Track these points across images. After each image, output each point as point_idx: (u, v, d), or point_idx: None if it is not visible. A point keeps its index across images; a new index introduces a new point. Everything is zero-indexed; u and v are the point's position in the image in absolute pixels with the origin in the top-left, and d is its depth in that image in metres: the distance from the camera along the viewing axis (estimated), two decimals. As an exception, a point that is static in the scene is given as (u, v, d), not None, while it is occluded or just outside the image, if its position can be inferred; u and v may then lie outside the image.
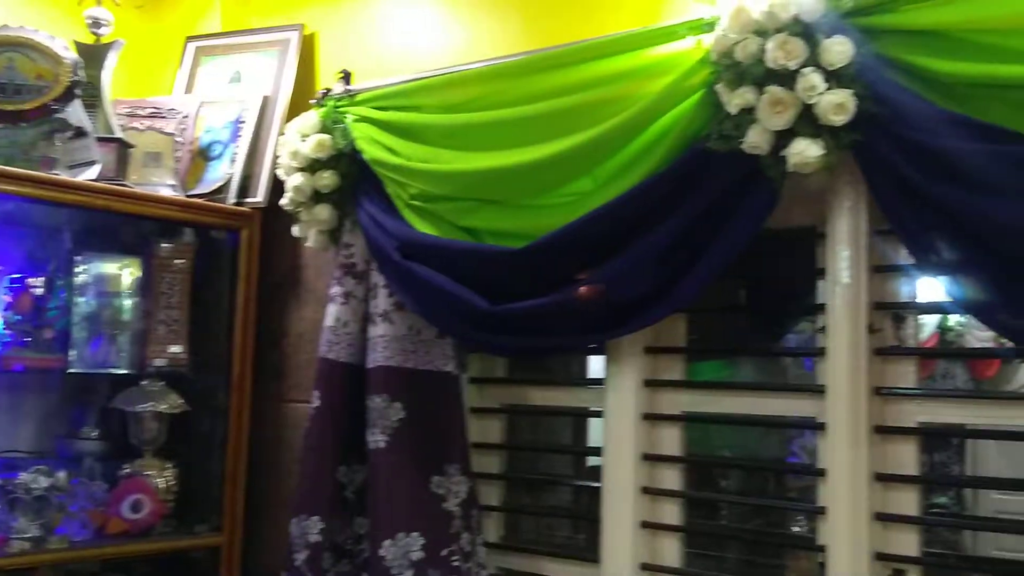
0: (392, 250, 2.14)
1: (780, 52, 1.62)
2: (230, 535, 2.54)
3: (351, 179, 2.28)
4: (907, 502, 1.75)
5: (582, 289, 1.92)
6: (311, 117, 2.31)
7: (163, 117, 2.66)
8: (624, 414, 2.06)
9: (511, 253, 2.01)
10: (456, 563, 2.14)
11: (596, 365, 2.58)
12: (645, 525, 2.04)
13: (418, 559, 2.11)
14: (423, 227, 2.16)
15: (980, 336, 3.34)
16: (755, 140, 1.68)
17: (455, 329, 2.14)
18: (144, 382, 2.55)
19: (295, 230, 2.38)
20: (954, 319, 3.72)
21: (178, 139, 2.63)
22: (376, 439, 2.17)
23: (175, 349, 2.57)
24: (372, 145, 2.24)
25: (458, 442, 2.21)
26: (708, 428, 2.39)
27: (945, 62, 1.55)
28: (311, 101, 2.38)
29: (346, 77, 2.38)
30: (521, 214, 2.07)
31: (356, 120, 2.29)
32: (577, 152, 1.93)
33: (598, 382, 2.16)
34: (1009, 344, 1.65)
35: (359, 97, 2.32)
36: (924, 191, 1.57)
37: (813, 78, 1.60)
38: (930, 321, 3.60)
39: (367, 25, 2.57)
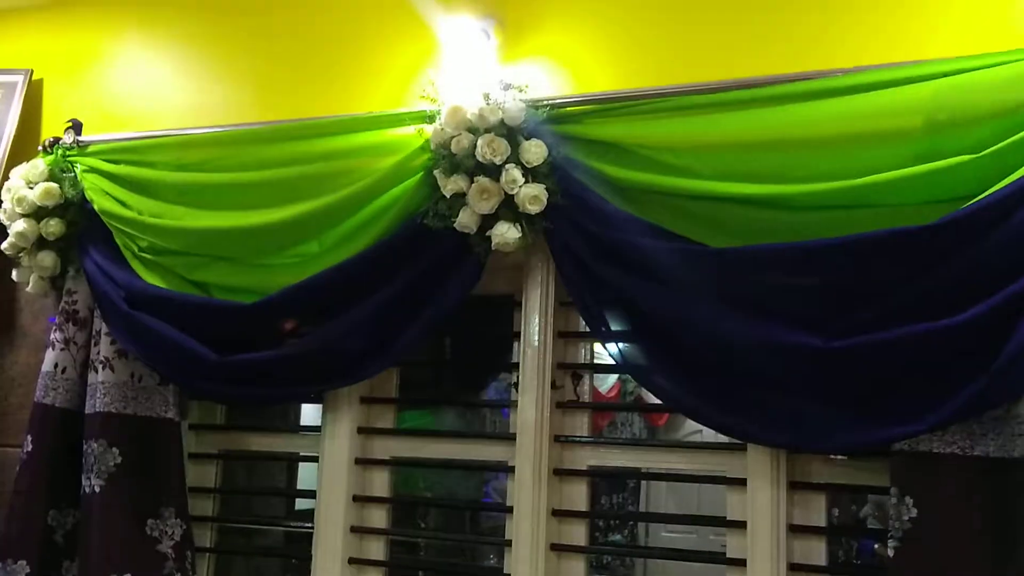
0: (119, 300, 2.21)
1: (488, 149, 1.92)
2: (-81, 585, 2.44)
3: (78, 228, 2.34)
4: (578, 534, 2.07)
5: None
6: (38, 165, 2.34)
7: None
8: (338, 459, 2.24)
9: (240, 308, 2.16)
10: (167, 603, 2.21)
11: (308, 412, 2.76)
12: (352, 561, 2.22)
13: (130, 600, 2.17)
14: (151, 279, 2.25)
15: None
16: (465, 221, 1.95)
17: (182, 378, 2.24)
18: None
19: (15, 274, 2.38)
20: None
21: None
22: (92, 483, 2.20)
23: None
24: (102, 196, 2.31)
25: (175, 486, 2.27)
26: (417, 473, 2.62)
27: (618, 169, 1.90)
28: (39, 148, 2.40)
29: (76, 127, 2.42)
30: (250, 271, 2.22)
31: (86, 171, 2.35)
32: (307, 218, 2.12)
33: (314, 429, 2.33)
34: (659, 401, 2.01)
35: (90, 148, 2.39)
36: (598, 273, 1.90)
37: (514, 173, 1.91)
38: (612, 375, 4.05)
39: (98, 78, 2.61)
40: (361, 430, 2.26)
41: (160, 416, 2.27)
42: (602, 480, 3.98)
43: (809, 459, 1.88)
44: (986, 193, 1.57)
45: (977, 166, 1.60)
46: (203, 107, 2.47)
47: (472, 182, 1.94)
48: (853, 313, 1.69)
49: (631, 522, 4.60)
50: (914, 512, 1.64)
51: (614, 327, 1.94)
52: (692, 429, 4.47)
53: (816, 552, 1.87)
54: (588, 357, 2.18)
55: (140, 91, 2.56)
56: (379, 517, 2.25)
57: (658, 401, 2.02)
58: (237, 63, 2.48)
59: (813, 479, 1.88)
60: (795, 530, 1.87)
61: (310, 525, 2.27)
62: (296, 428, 2.64)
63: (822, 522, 1.88)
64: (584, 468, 2.08)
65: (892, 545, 1.66)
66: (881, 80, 1.70)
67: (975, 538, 1.60)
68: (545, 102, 1.98)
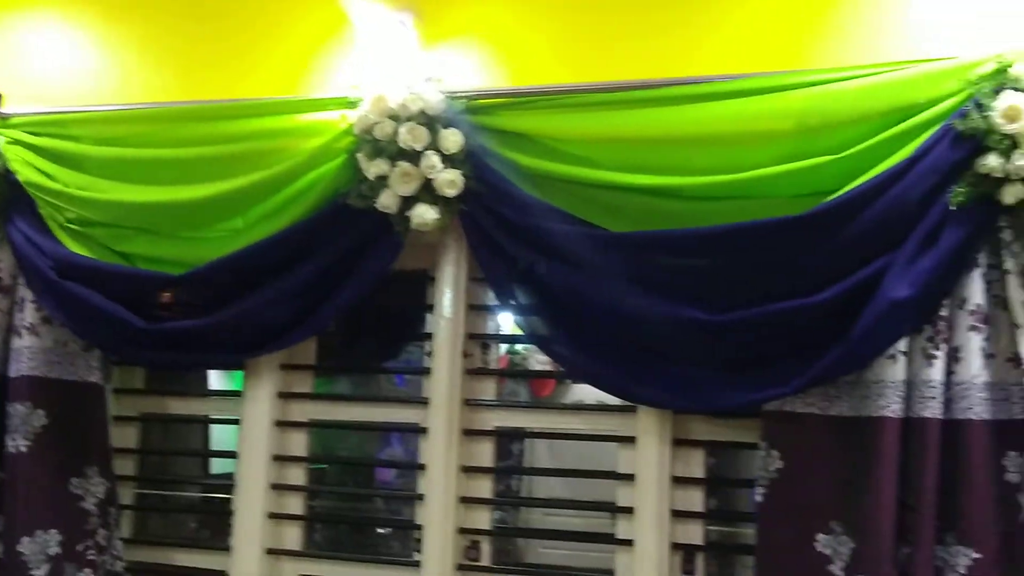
0: (47, 269, 2.30)
1: (409, 136, 2.08)
2: None
3: (2, 198, 2.39)
4: (484, 488, 2.27)
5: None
6: (-38, 137, 2.38)
7: None
8: (259, 421, 2.38)
9: (168, 279, 2.27)
10: (91, 557, 2.33)
11: (215, 376, 2.89)
12: (272, 516, 2.38)
13: (55, 554, 2.28)
14: (77, 249, 2.34)
15: (540, 360, 4.07)
16: (386, 202, 2.12)
17: (109, 344, 2.35)
18: None
19: (-62, 241, 2.42)
20: (520, 346, 4.47)
21: None
22: (17, 444, 2.29)
23: None
24: (27, 168, 2.37)
25: (99, 447, 2.39)
26: (328, 433, 2.78)
27: (529, 158, 2.09)
28: (-41, 120, 2.45)
29: (-3, 99, 2.47)
30: (176, 244, 2.34)
31: (9, 143, 2.41)
32: (232, 195, 2.25)
33: (228, 393, 2.47)
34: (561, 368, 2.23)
35: (12, 121, 2.44)
36: (508, 253, 2.10)
37: (433, 159, 2.08)
38: (502, 347, 4.28)
39: (16, 51, 2.65)
40: (281, 395, 2.41)
41: (85, 380, 2.37)
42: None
43: (691, 418, 2.12)
44: (845, 189, 1.83)
45: (839, 166, 1.85)
46: (126, 84, 2.54)
47: (394, 166, 2.10)
48: (734, 291, 1.93)
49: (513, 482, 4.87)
50: (780, 464, 1.91)
51: (522, 301, 2.14)
52: (575, 398, 4.75)
53: (695, 500, 2.12)
54: (496, 329, 2.38)
55: (63, 66, 2.61)
56: (297, 475, 2.41)
57: (558, 368, 2.23)
58: (160, 42, 2.56)
59: (694, 436, 2.12)
60: (677, 481, 2.11)
61: (231, 484, 2.41)
62: (213, 392, 2.77)
63: (701, 474, 2.13)
64: (491, 428, 2.29)
65: (760, 492, 1.92)
66: (760, 87, 1.93)
67: (830, 486, 1.87)
68: (462, 94, 2.15)
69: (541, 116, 2.11)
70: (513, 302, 2.15)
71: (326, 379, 3.08)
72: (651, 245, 1.99)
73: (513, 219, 2.08)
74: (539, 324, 2.15)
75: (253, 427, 2.39)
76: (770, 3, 2.10)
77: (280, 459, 2.40)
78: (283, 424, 2.41)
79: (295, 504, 2.40)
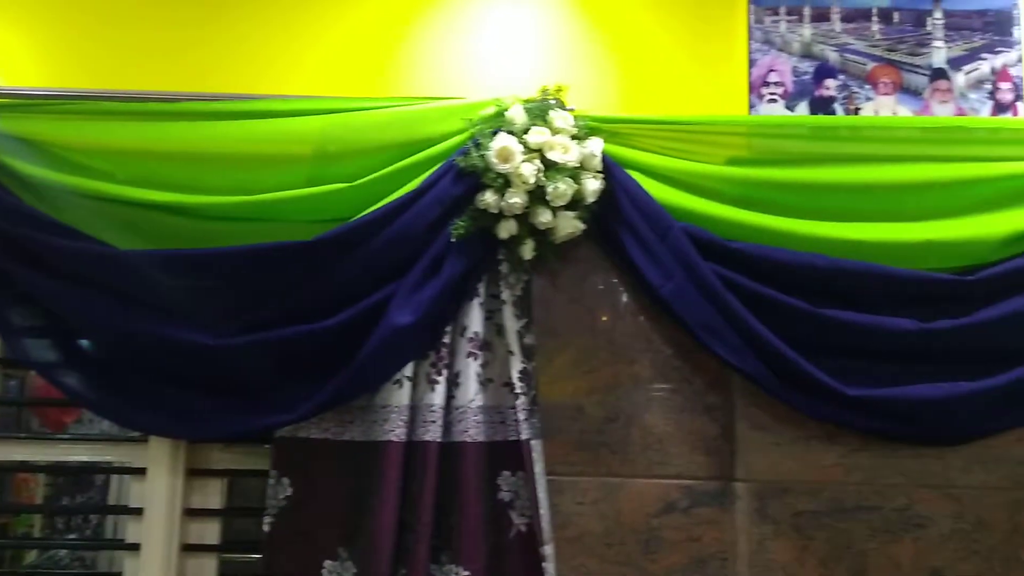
0: None
1: None
2: None
3: None
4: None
5: None
6: None
7: None
8: None
9: None
10: None
11: None
12: None
13: None
14: None
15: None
16: None
17: None
18: None
19: None
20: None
21: None
22: None
23: None
24: None
25: None
26: None
27: (29, 166, 1.91)
28: None
29: None
30: None
31: None
32: None
33: None
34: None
35: None
36: (3, 268, 1.89)
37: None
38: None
39: None
40: None
41: None
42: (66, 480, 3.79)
43: (209, 447, 2.04)
44: (355, 217, 1.85)
45: (354, 193, 1.87)
46: None
47: None
48: (243, 315, 1.88)
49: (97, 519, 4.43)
50: (289, 491, 1.88)
51: (18, 323, 1.94)
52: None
53: (210, 532, 2.04)
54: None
55: None
56: None
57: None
58: None
59: (212, 465, 2.04)
60: (191, 513, 2.02)
61: None
62: None
63: (218, 504, 2.05)
64: (-15, 463, 2.05)
65: (268, 521, 1.87)
66: (277, 109, 1.91)
67: (339, 511, 1.87)
68: (-51, 91, 1.93)
69: (46, 121, 1.93)
70: (8, 326, 1.94)
71: None
72: (158, 265, 1.87)
73: (8, 232, 1.89)
74: (42, 349, 1.96)
75: None
76: (296, 27, 2.11)
77: None
78: None
79: None
